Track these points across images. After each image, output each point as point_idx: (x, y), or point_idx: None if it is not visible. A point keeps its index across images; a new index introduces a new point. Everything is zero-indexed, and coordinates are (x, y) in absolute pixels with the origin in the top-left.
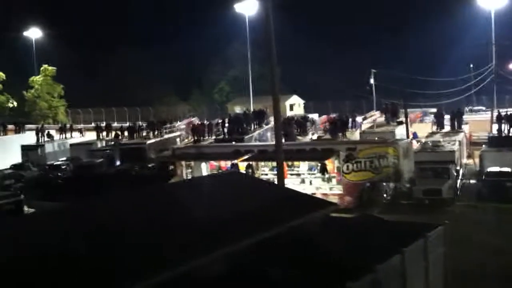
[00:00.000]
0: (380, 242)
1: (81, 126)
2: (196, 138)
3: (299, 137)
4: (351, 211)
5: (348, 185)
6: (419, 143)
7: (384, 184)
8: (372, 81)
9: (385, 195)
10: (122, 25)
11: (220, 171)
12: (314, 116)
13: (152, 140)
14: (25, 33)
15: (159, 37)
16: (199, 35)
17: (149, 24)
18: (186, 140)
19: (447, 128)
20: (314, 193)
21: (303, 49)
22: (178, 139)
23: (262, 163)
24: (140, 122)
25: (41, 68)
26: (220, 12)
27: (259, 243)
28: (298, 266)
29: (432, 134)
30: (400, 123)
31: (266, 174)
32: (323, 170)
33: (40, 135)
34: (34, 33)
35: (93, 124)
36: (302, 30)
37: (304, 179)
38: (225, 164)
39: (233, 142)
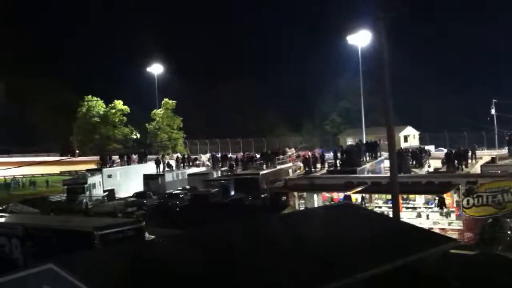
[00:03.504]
0: (505, 282)
1: (198, 157)
2: (307, 169)
3: (414, 170)
4: (472, 248)
5: (469, 220)
6: None
7: (508, 220)
8: (493, 111)
9: (509, 232)
10: (235, 59)
11: (332, 202)
12: (430, 147)
13: (265, 171)
14: (148, 69)
15: (272, 68)
16: (311, 66)
17: (261, 56)
18: (298, 171)
19: None
20: (431, 228)
21: (418, 79)
22: (290, 170)
23: (376, 196)
24: (253, 153)
25: (162, 102)
26: (332, 43)
27: (376, 277)
28: None
29: None
30: None
31: (380, 207)
32: (441, 204)
33: (160, 165)
34: (156, 69)
35: (208, 155)
36: (416, 59)
37: (420, 213)
38: (338, 195)
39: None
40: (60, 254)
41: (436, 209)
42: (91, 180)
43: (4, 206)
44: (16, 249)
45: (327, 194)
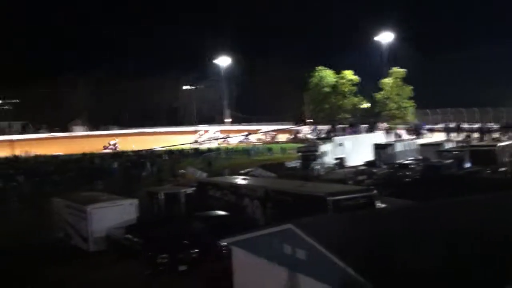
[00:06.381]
0: None
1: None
2: None
3: None
4: None
5: None
6: None
7: None
8: None
9: None
10: (466, 25)
11: None
12: None
13: (504, 143)
14: (377, 38)
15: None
16: None
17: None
18: None
19: None
20: None
21: None
22: None
23: None
24: (491, 124)
25: (391, 71)
26: None
27: None
28: None
29: None
30: None
31: None
32: None
33: (389, 134)
34: (385, 37)
35: (442, 125)
36: None
37: None
38: None
39: None
40: (296, 216)
41: None
42: (323, 148)
43: (246, 170)
44: (257, 210)
45: None
